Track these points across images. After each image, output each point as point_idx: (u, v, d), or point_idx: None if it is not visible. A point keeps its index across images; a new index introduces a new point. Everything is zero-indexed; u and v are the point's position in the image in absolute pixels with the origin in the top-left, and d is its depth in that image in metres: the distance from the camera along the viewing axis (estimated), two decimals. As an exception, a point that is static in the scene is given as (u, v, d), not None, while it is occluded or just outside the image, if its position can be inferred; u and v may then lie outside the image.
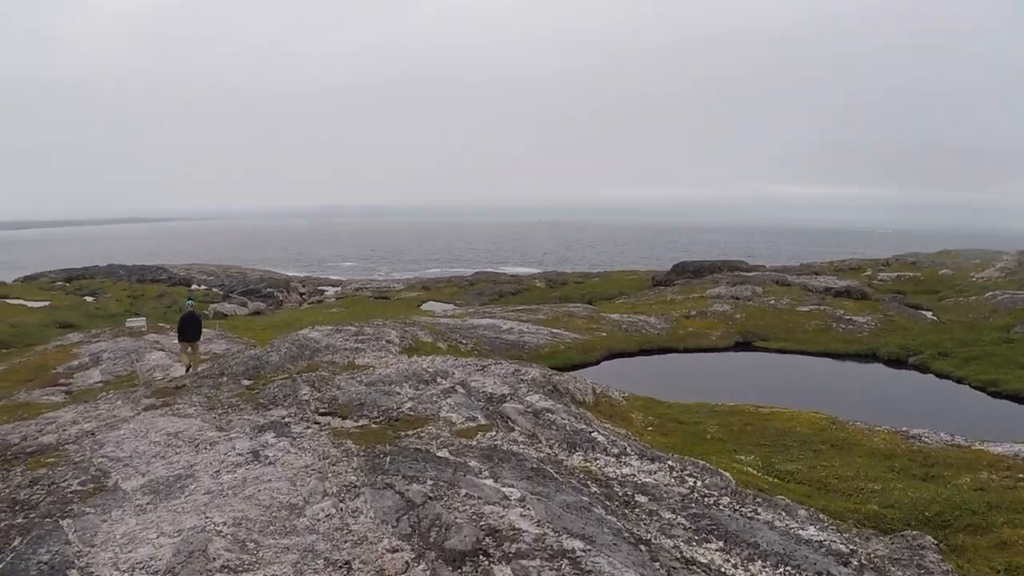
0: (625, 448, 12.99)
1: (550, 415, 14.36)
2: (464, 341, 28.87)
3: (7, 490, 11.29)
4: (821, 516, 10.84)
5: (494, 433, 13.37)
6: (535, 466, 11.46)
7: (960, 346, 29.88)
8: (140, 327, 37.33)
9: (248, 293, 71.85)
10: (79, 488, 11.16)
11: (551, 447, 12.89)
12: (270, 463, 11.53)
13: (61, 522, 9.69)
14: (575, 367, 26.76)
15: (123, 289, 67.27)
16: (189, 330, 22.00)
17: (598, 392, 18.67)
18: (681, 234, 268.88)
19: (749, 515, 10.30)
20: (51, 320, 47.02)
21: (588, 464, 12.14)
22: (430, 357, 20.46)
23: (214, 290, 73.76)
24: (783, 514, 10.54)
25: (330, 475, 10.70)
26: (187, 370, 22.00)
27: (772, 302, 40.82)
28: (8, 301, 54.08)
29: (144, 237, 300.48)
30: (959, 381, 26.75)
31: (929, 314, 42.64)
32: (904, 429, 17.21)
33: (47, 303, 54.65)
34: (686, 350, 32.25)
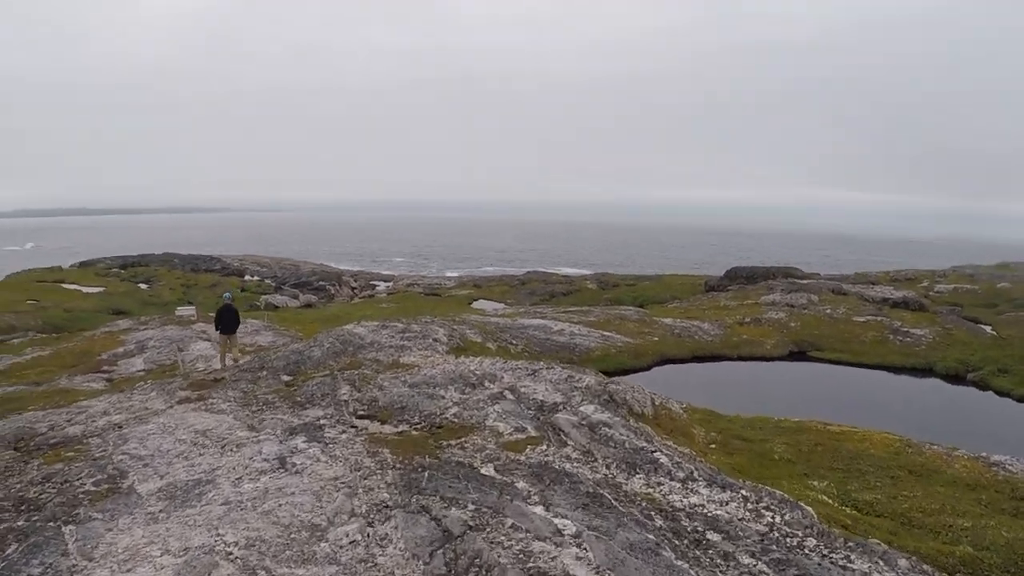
0: (692, 472, 11.68)
1: (607, 429, 13.12)
2: (514, 342, 27.87)
3: (18, 486, 10.63)
4: (924, 568, 9.39)
5: (545, 447, 12.21)
6: (591, 490, 10.27)
7: (1021, 363, 28.32)
8: (190, 316, 37.30)
9: (300, 285, 72.18)
10: (92, 489, 10.42)
11: (608, 467, 11.66)
12: (296, 472, 10.61)
13: (64, 528, 8.93)
14: (626, 372, 26.04)
15: (177, 278, 68.11)
16: (227, 322, 21.45)
17: (657, 403, 17.34)
18: (730, 237, 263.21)
19: (842, 564, 8.91)
20: (105, 306, 47.57)
21: (651, 490, 10.88)
22: (478, 359, 19.42)
23: (266, 281, 74.35)
24: (881, 563, 9.12)
25: (360, 491, 9.71)
26: (224, 363, 21.44)
27: (828, 311, 39.53)
28: (64, 286, 55.11)
29: (198, 227, 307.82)
30: (1020, 400, 25.21)
31: (988, 328, 40.71)
32: (984, 455, 15.73)
33: (102, 289, 55.52)
34: (739, 358, 31.29)
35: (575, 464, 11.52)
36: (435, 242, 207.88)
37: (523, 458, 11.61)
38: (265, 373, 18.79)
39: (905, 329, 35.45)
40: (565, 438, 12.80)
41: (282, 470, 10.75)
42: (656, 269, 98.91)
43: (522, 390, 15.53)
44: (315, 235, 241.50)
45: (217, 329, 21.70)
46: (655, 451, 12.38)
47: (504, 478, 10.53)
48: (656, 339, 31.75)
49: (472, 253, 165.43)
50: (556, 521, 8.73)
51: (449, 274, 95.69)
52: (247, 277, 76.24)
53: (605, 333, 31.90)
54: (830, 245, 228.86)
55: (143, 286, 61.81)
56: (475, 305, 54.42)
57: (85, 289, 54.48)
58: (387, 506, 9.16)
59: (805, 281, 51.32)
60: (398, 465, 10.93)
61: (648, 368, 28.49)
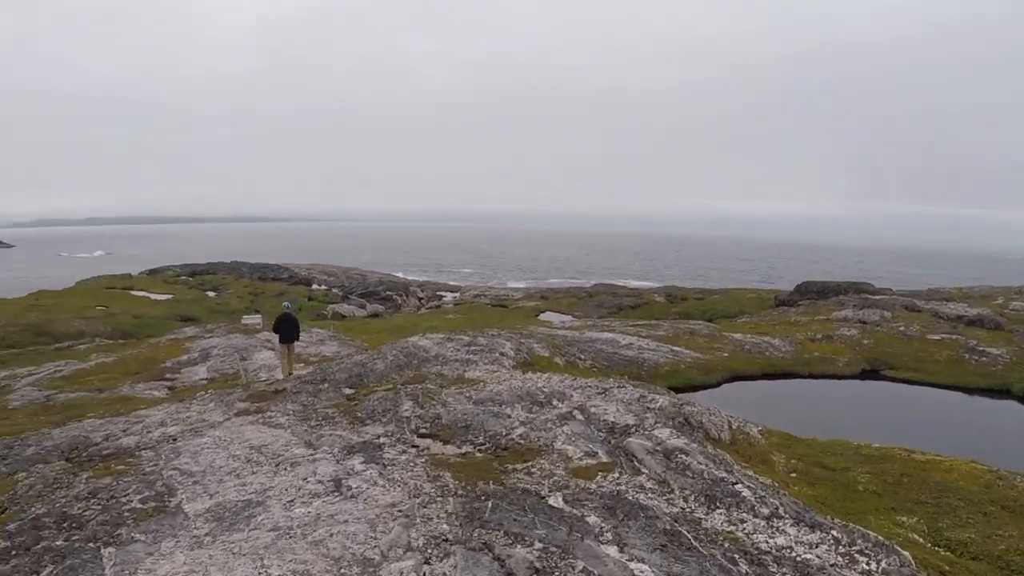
0: (777, 508, 10.64)
1: (684, 457, 12.15)
2: (582, 357, 27.15)
3: (64, 500, 10.33)
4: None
5: (617, 475, 11.34)
6: (668, 527, 9.37)
7: (1103, 385, 27.20)
8: (255, 324, 37.57)
9: (367, 295, 72.67)
10: (138, 506, 10.03)
11: (686, 500, 10.71)
12: (352, 496, 10.00)
13: (103, 551, 8.52)
14: (695, 388, 25.71)
15: (244, 286, 69.36)
16: (286, 332, 21.21)
17: (734, 427, 16.25)
18: (797, 251, 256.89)
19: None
20: (173, 313, 48.53)
21: (733, 528, 9.90)
22: (546, 375, 18.65)
23: (334, 291, 75.10)
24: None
25: (418, 520, 9.03)
26: (289, 373, 21.23)
27: (901, 328, 38.38)
28: (133, 293, 56.59)
29: (267, 236, 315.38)
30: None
31: (1068, 349, 38.35)
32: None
33: (170, 296, 56.78)
34: (811, 376, 30.51)
35: (650, 495, 10.62)
36: (501, 253, 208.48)
37: (594, 487, 10.78)
38: (326, 385, 18.47)
39: (981, 348, 34.31)
40: (639, 465, 11.91)
41: (337, 493, 10.17)
42: (723, 283, 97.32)
43: (592, 410, 14.71)
44: (383, 245, 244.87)
45: (279, 339, 21.56)
46: (736, 482, 11.36)
47: (574, 510, 9.72)
48: (726, 355, 31.11)
49: (538, 264, 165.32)
50: (632, 566, 7.86)
51: (516, 285, 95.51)
52: (314, 286, 77.18)
53: (674, 348, 31.29)
54: (895, 259, 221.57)
55: (211, 294, 63.06)
56: (542, 317, 54.38)
57: (154, 296, 55.82)
58: (446, 540, 8.45)
59: (877, 297, 50.60)
60: (460, 492, 10.23)
61: (717, 385, 28.07)
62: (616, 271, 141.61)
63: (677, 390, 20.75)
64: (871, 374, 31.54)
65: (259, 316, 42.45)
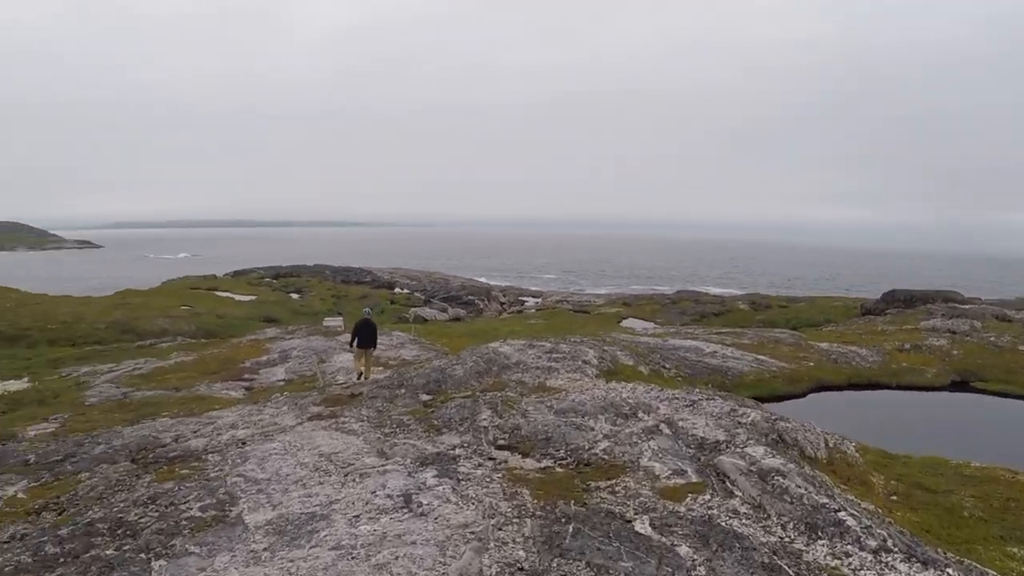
0: (885, 540, 9.37)
1: (780, 479, 10.96)
2: (667, 366, 26.21)
3: (121, 505, 9.96)
4: None
5: (708, 497, 10.29)
6: (767, 560, 8.31)
7: None
8: (336, 327, 37.70)
9: (449, 299, 73.03)
10: (197, 515, 9.55)
11: (784, 528, 9.56)
12: (422, 514, 9.26)
13: (154, 563, 8.02)
14: (779, 398, 25.14)
15: (328, 289, 70.45)
16: (364, 337, 21.08)
17: (831, 445, 14.88)
18: (875, 259, 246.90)
19: None
20: (256, 314, 49.43)
21: (838, 563, 8.71)
22: (631, 385, 17.66)
23: (416, 294, 75.65)
24: None
25: (492, 545, 8.21)
26: (359, 377, 20.97)
27: (992, 339, 36.70)
28: (217, 293, 58.02)
29: (350, 240, 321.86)
30: None
31: None
32: None
33: (254, 298, 58.01)
34: (899, 387, 29.36)
35: (745, 522, 9.54)
36: (584, 258, 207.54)
37: (683, 510, 9.77)
38: (403, 391, 17.96)
39: (1076, 360, 32.51)
40: (731, 487, 10.80)
41: (406, 510, 9.45)
42: (806, 290, 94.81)
43: (680, 424, 13.66)
44: (466, 250, 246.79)
45: (352, 343, 21.42)
46: (839, 509, 10.12)
47: (663, 538, 8.74)
48: (812, 364, 30.07)
49: (620, 270, 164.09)
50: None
51: (598, 291, 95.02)
52: (397, 289, 77.98)
53: (759, 357, 30.34)
54: (984, 267, 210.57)
55: (294, 296, 64.22)
56: (624, 323, 54.32)
57: (238, 297, 57.10)
58: (522, 569, 7.60)
59: (967, 306, 49.37)
60: (538, 512, 9.37)
61: (803, 395, 27.18)
62: (697, 277, 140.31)
63: (762, 400, 20.35)
64: (961, 386, 30.30)
65: (340, 318, 42.71)
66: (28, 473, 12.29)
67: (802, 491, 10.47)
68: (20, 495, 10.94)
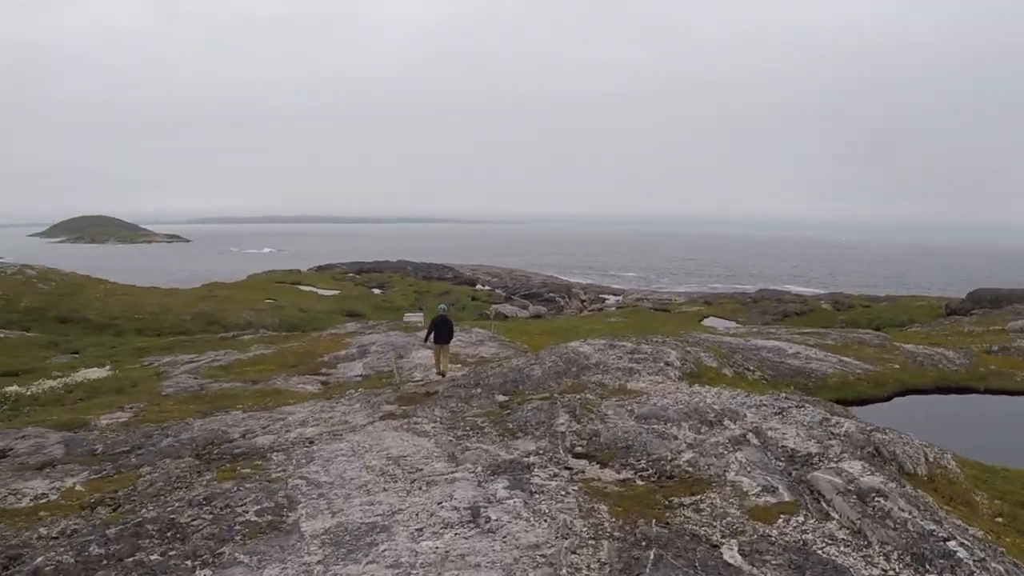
0: None
1: (881, 501, 9.64)
2: (750, 368, 25.01)
3: (175, 505, 9.46)
4: None
5: (802, 519, 9.12)
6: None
7: None
8: (417, 322, 37.38)
9: (530, 296, 72.52)
10: (253, 519, 8.97)
11: (888, 559, 8.29)
12: (489, 531, 8.42)
13: (199, 573, 7.39)
14: (863, 402, 24.17)
15: (410, 284, 70.77)
16: (441, 332, 20.54)
17: (931, 459, 13.35)
18: (955, 257, 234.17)
19: None
20: (338, 308, 49.76)
21: (950, 604, 7.52)
22: (715, 389, 16.49)
23: (497, 291, 75.35)
24: None
25: (564, 571, 7.30)
26: (440, 374, 20.42)
27: None
28: (301, 287, 58.75)
29: (432, 236, 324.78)
30: None
31: None
32: None
33: (337, 292, 58.58)
34: (987, 391, 27.72)
35: (844, 550, 8.35)
36: (663, 256, 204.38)
37: (775, 534, 8.66)
38: (479, 391, 17.29)
39: None
40: (827, 508, 9.59)
41: (472, 525, 8.63)
42: (890, 289, 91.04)
43: (769, 433, 12.46)
44: (547, 247, 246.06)
45: (427, 339, 20.92)
46: (948, 538, 8.75)
47: (754, 569, 7.68)
48: (897, 366, 28.58)
49: (701, 268, 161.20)
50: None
51: (679, 289, 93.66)
52: (478, 286, 77.91)
53: (843, 358, 28.98)
54: None
55: (376, 291, 64.66)
56: (705, 323, 53.82)
57: (321, 291, 57.75)
58: (599, 604, 6.68)
59: None
60: (617, 533, 8.42)
61: (888, 399, 25.96)
62: (779, 276, 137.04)
63: (845, 403, 19.75)
64: (1052, 390, 28.62)
65: (421, 314, 42.49)
66: (92, 463, 12.03)
67: (906, 515, 9.21)
68: (79, 487, 10.63)
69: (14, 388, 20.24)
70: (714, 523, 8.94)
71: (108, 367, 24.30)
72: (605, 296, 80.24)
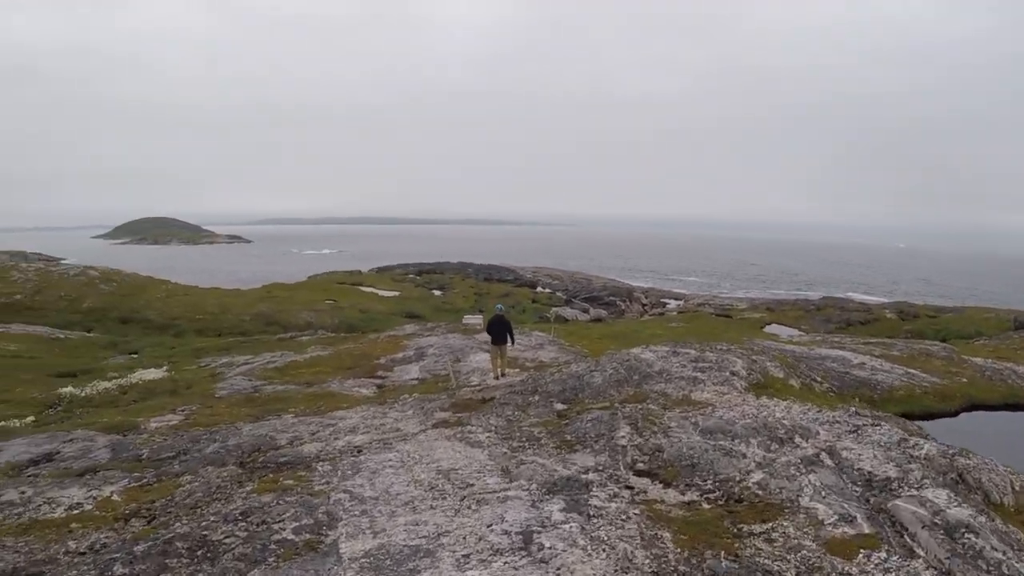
0: None
1: (972, 538, 8.49)
2: (817, 379, 23.85)
3: (211, 519, 8.94)
4: None
5: (884, 555, 8.07)
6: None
7: None
8: (476, 324, 36.91)
9: (591, 299, 71.69)
10: (289, 538, 8.37)
11: None
12: (542, 560, 7.62)
13: (223, 603, 6.76)
14: (930, 416, 23.18)
15: (470, 286, 70.50)
16: (497, 332, 19.92)
17: (1017, 488, 12.03)
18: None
19: None
20: (398, 310, 49.60)
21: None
22: (784, 403, 15.40)
23: (558, 294, 74.66)
24: None
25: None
26: (497, 377, 19.80)
27: None
28: (361, 288, 58.88)
29: (493, 238, 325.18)
30: None
31: None
32: None
33: (397, 293, 58.56)
34: None
35: None
36: (725, 260, 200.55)
37: (855, 571, 7.67)
38: (537, 398, 16.53)
39: None
40: (911, 542, 8.50)
41: (523, 552, 7.84)
42: (956, 300, 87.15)
43: (843, 454, 11.35)
44: (610, 250, 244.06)
45: (491, 341, 20.46)
46: None
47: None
48: (964, 380, 27.28)
49: (765, 273, 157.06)
50: None
51: (740, 295, 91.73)
52: (539, 289, 77.30)
53: (909, 370, 27.74)
54: None
55: (437, 292, 64.55)
56: (768, 329, 52.92)
57: (381, 292, 57.80)
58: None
59: None
60: (682, 567, 7.54)
61: (955, 414, 24.82)
62: (843, 284, 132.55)
63: (911, 417, 19.39)
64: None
65: (480, 316, 41.99)
66: (134, 470, 11.66)
67: (999, 555, 8.11)
68: (115, 496, 10.21)
69: (68, 389, 20.29)
70: (788, 557, 8.00)
71: (165, 368, 24.31)
72: (666, 300, 78.96)
